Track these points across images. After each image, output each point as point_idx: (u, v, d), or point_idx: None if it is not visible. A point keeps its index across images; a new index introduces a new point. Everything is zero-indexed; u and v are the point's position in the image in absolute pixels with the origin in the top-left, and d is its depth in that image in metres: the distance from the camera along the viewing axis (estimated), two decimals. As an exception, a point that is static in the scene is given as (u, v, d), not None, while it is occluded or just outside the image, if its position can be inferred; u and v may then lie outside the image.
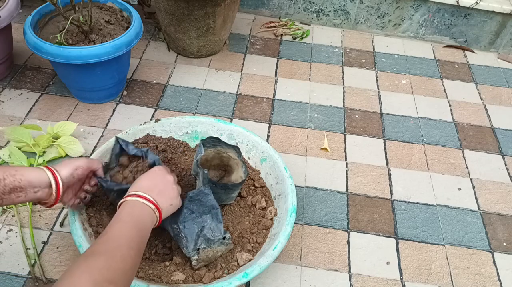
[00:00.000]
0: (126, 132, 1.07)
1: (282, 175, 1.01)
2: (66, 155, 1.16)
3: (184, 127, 1.13)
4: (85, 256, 0.58)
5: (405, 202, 1.17)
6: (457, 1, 1.66)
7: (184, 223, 0.84)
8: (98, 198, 0.98)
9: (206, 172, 0.89)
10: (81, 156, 1.17)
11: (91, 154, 1.19)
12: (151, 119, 1.31)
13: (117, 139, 0.94)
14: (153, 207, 0.73)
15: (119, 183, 0.89)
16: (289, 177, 1.00)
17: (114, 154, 0.94)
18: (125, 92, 1.39)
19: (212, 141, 0.97)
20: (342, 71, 1.58)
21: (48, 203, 0.75)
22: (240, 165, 0.98)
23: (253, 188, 1.04)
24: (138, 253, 0.64)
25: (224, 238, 0.85)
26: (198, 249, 0.84)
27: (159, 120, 1.11)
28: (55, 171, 0.74)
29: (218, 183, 0.93)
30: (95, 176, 0.86)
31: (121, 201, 0.73)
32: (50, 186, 0.73)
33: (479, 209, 1.17)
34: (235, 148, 0.98)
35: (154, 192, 0.74)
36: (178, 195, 0.81)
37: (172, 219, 0.84)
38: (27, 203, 1.04)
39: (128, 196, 0.73)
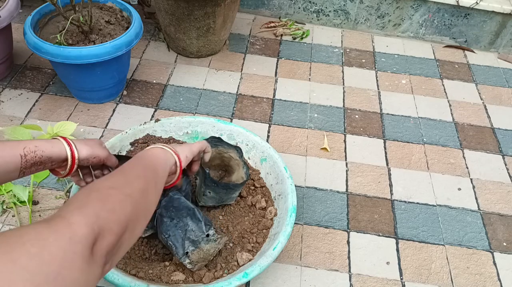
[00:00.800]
0: (126, 132, 1.07)
1: (282, 175, 1.01)
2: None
3: (184, 127, 1.13)
4: (96, 182, 0.57)
5: (405, 202, 1.17)
6: (457, 1, 1.66)
7: (168, 231, 0.84)
8: None
9: (207, 171, 0.89)
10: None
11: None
12: (151, 119, 1.31)
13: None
14: (173, 153, 0.74)
15: None
16: (289, 177, 1.00)
17: None
18: (125, 92, 1.39)
19: (214, 141, 0.97)
20: (342, 71, 1.58)
21: (60, 174, 0.76)
22: (241, 166, 0.98)
23: (253, 188, 1.04)
24: (154, 183, 0.63)
25: (207, 235, 0.84)
26: (187, 252, 0.83)
27: (159, 120, 1.11)
28: (74, 149, 0.74)
29: (220, 182, 0.92)
30: (106, 168, 0.87)
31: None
32: (66, 160, 0.74)
33: (479, 209, 1.17)
34: (237, 149, 0.98)
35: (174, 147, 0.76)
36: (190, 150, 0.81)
37: (159, 229, 0.85)
38: (27, 203, 1.04)
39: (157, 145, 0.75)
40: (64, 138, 0.74)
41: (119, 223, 0.49)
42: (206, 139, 0.95)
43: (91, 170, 0.84)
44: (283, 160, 1.04)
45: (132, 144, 1.07)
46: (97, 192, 0.51)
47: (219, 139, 0.97)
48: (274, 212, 0.99)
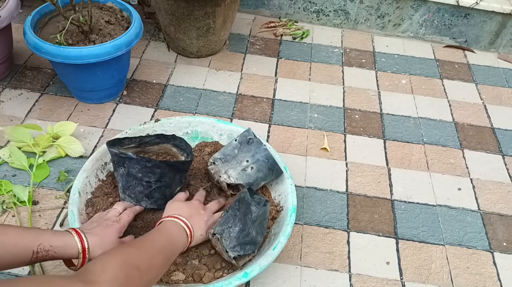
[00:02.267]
0: (126, 132, 1.07)
1: (283, 174, 1.01)
2: (66, 155, 1.16)
3: (184, 127, 1.13)
4: (122, 245, 0.68)
5: (405, 202, 1.17)
6: (457, 1, 1.66)
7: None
8: (98, 198, 0.98)
9: (264, 146, 0.99)
10: (81, 156, 1.17)
11: (91, 154, 1.19)
12: (151, 119, 1.31)
13: (108, 146, 0.94)
14: (188, 232, 0.82)
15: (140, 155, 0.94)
16: (289, 177, 1.00)
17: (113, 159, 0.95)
18: (125, 92, 1.39)
19: (153, 140, 1.01)
20: (342, 71, 1.59)
21: (71, 267, 0.79)
22: (180, 154, 1.04)
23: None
24: (165, 261, 0.73)
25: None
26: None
27: (159, 120, 1.11)
28: (86, 250, 0.76)
29: (272, 159, 0.99)
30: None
31: (162, 220, 0.83)
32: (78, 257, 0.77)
33: (479, 209, 1.17)
34: (169, 139, 1.02)
35: (191, 220, 0.85)
36: (206, 230, 0.89)
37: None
38: (27, 203, 1.04)
39: (169, 216, 0.83)
40: (78, 234, 0.76)
41: None
42: (144, 139, 1.00)
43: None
44: (283, 160, 1.04)
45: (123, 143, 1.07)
46: (126, 268, 0.62)
47: (157, 137, 1.01)
48: (274, 211, 0.99)
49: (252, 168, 0.98)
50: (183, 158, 1.03)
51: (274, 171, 0.99)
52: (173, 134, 1.02)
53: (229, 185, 0.99)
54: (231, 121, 1.33)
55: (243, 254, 0.85)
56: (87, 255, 0.75)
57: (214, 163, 1.01)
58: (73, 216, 0.88)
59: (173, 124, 1.12)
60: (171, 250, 0.76)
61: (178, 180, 0.97)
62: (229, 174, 0.98)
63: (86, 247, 0.75)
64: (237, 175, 0.98)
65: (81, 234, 0.76)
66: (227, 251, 0.85)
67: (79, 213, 0.90)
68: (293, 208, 0.94)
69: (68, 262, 0.78)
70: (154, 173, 0.91)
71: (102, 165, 1.03)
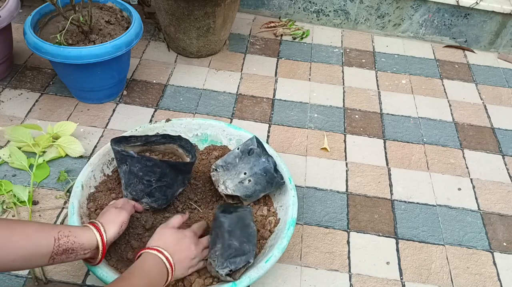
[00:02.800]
0: (136, 129, 1.06)
1: (286, 185, 0.99)
2: (66, 155, 1.16)
3: (194, 129, 1.11)
4: None
5: (405, 202, 1.17)
6: (457, 1, 1.66)
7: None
8: (101, 193, 0.98)
9: (263, 160, 0.96)
10: (81, 156, 1.17)
11: (91, 154, 1.19)
12: (150, 120, 1.31)
13: (112, 143, 0.94)
14: (170, 270, 0.78)
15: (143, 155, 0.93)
16: (292, 189, 0.97)
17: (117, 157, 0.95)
18: (125, 92, 1.39)
19: (159, 139, 1.01)
20: (342, 71, 1.59)
21: (93, 262, 0.79)
22: (185, 155, 1.03)
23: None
24: None
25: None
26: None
27: (170, 120, 1.09)
28: (103, 233, 0.77)
29: (270, 172, 0.96)
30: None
31: (146, 250, 0.78)
32: (98, 247, 0.76)
33: (479, 209, 1.17)
34: (175, 140, 1.01)
35: (176, 257, 0.79)
36: (189, 268, 0.84)
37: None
38: (27, 203, 1.04)
39: (154, 249, 0.78)
40: (92, 223, 0.77)
41: None
42: (152, 138, 1.00)
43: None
44: (288, 171, 1.01)
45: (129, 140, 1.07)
46: None
47: (163, 136, 1.01)
48: (274, 222, 0.96)
49: (249, 181, 0.95)
50: (188, 159, 1.02)
51: (273, 184, 0.96)
52: (179, 135, 1.01)
53: (228, 195, 0.99)
54: (231, 121, 1.33)
55: (235, 268, 0.82)
56: (105, 241, 0.76)
57: (216, 170, 1.00)
58: (72, 208, 0.88)
59: (183, 125, 1.10)
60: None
61: (181, 181, 0.97)
62: (227, 185, 0.97)
63: (103, 231, 0.76)
64: (234, 186, 0.96)
65: (98, 225, 0.77)
66: (217, 272, 0.82)
67: (79, 206, 0.90)
68: (292, 220, 0.91)
69: (87, 261, 0.79)
70: (154, 172, 0.91)
71: (109, 160, 1.03)
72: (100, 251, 0.76)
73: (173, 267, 0.78)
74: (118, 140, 0.95)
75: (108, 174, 1.02)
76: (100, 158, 1.01)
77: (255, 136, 1.00)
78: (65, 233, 0.71)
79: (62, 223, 1.03)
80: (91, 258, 0.78)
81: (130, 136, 0.98)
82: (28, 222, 0.70)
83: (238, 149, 0.99)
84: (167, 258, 0.77)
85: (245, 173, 0.96)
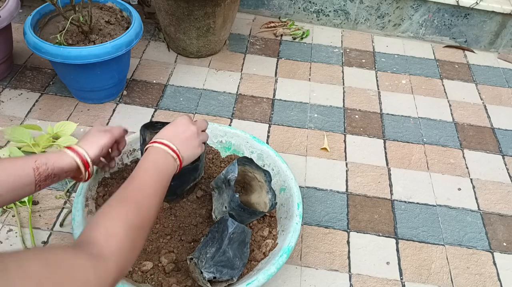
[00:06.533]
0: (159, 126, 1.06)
1: (293, 211, 0.93)
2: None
3: (220, 135, 1.10)
4: (118, 201, 0.63)
5: (405, 202, 1.17)
6: (457, 1, 1.66)
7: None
8: (114, 180, 0.99)
9: (237, 196, 0.87)
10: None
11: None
12: (150, 120, 1.31)
13: (141, 129, 0.93)
14: (175, 156, 0.76)
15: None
16: (298, 215, 0.92)
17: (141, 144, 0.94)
18: (125, 92, 1.39)
19: (243, 161, 0.94)
20: (342, 71, 1.59)
21: (81, 179, 0.79)
22: (266, 190, 0.95)
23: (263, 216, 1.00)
24: (160, 200, 0.70)
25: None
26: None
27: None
28: (81, 153, 0.76)
29: (247, 208, 0.89)
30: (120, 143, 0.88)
31: (147, 146, 0.77)
32: (79, 167, 0.76)
33: (479, 209, 1.17)
34: (265, 172, 0.94)
35: (177, 141, 0.78)
36: (201, 143, 0.83)
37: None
38: (27, 203, 1.04)
39: (153, 142, 0.77)
40: (69, 147, 0.76)
41: (135, 257, 0.60)
42: (238, 160, 0.93)
43: (109, 152, 0.87)
44: (300, 195, 0.97)
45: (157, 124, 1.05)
46: (130, 232, 0.59)
47: (249, 160, 0.94)
48: (271, 246, 0.92)
49: (231, 214, 0.90)
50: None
51: (257, 213, 0.91)
52: None
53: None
54: (231, 121, 1.33)
55: (219, 277, 0.80)
56: (87, 160, 0.76)
57: (213, 190, 0.97)
58: (81, 189, 0.89)
59: (209, 130, 1.07)
60: (164, 186, 0.73)
61: (192, 180, 0.97)
62: (216, 215, 0.94)
63: (80, 150, 0.75)
64: (219, 214, 0.94)
65: (74, 147, 0.76)
66: (201, 272, 0.80)
67: (88, 188, 0.91)
68: (287, 248, 0.85)
69: (74, 175, 0.78)
70: None
71: (130, 151, 1.03)
72: (83, 169, 0.75)
73: (178, 152, 0.77)
74: (146, 126, 0.95)
75: (126, 163, 1.02)
76: None
77: (244, 157, 0.95)
78: (43, 161, 0.70)
79: (62, 223, 1.03)
80: (76, 177, 0.78)
81: (157, 122, 0.97)
82: (2, 159, 0.70)
83: (222, 174, 0.93)
84: (168, 146, 0.76)
85: (225, 207, 0.91)
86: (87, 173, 0.76)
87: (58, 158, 0.73)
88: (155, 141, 0.76)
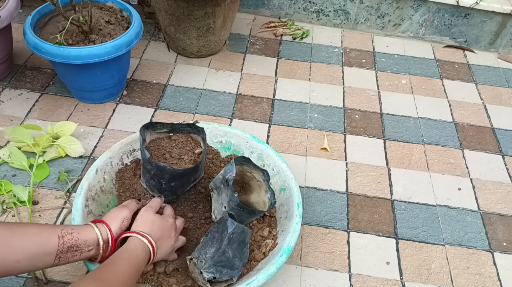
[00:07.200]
0: (162, 125, 1.05)
1: (293, 211, 0.94)
2: (66, 155, 1.16)
3: (220, 135, 1.10)
4: (92, 279, 0.66)
5: (405, 202, 1.17)
6: (457, 1, 1.66)
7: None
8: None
9: (236, 195, 0.87)
10: (81, 156, 1.17)
11: (91, 154, 1.19)
12: (150, 120, 1.31)
13: (140, 130, 0.94)
14: (152, 256, 0.81)
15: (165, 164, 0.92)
16: (298, 215, 0.92)
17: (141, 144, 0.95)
18: (125, 92, 1.39)
19: (241, 161, 0.94)
20: (342, 71, 1.59)
21: (98, 259, 0.79)
22: (265, 189, 0.95)
23: (262, 215, 1.00)
24: (131, 286, 0.73)
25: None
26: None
27: (198, 122, 1.07)
28: (103, 229, 0.79)
29: (246, 208, 0.89)
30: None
31: (130, 234, 0.80)
32: (98, 243, 0.78)
33: (479, 209, 1.17)
34: (263, 171, 0.94)
35: (159, 243, 0.83)
36: (176, 241, 0.88)
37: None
38: (27, 203, 1.04)
39: (140, 234, 0.80)
40: (94, 221, 0.79)
41: None
42: (236, 159, 0.92)
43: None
44: (300, 195, 0.97)
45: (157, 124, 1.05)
46: None
47: (247, 160, 0.94)
48: (271, 246, 0.92)
49: (230, 214, 0.90)
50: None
51: (256, 212, 0.92)
52: (203, 128, 0.99)
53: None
54: (231, 121, 1.33)
55: (219, 277, 0.80)
56: (114, 235, 0.79)
57: (212, 191, 0.97)
58: (81, 190, 0.90)
59: (209, 129, 1.08)
60: (136, 275, 0.76)
61: (192, 181, 0.98)
62: (215, 215, 0.94)
63: (106, 232, 0.78)
64: (218, 214, 0.94)
65: (99, 220, 0.79)
66: (201, 273, 0.80)
67: (88, 188, 0.91)
68: (287, 248, 0.85)
69: (95, 253, 0.79)
70: (163, 177, 0.91)
71: (130, 151, 1.03)
72: (101, 247, 0.77)
73: (155, 252, 0.81)
74: (146, 127, 0.95)
75: (126, 163, 1.02)
76: (121, 147, 1.00)
77: (242, 157, 0.95)
78: (68, 231, 0.72)
79: (62, 222, 1.03)
80: (94, 258, 0.78)
81: (157, 123, 0.97)
82: (29, 223, 0.71)
83: (221, 174, 0.93)
84: (151, 244, 0.80)
85: (225, 207, 0.91)
86: (102, 252, 0.78)
87: (82, 229, 0.75)
88: (142, 234, 0.80)
